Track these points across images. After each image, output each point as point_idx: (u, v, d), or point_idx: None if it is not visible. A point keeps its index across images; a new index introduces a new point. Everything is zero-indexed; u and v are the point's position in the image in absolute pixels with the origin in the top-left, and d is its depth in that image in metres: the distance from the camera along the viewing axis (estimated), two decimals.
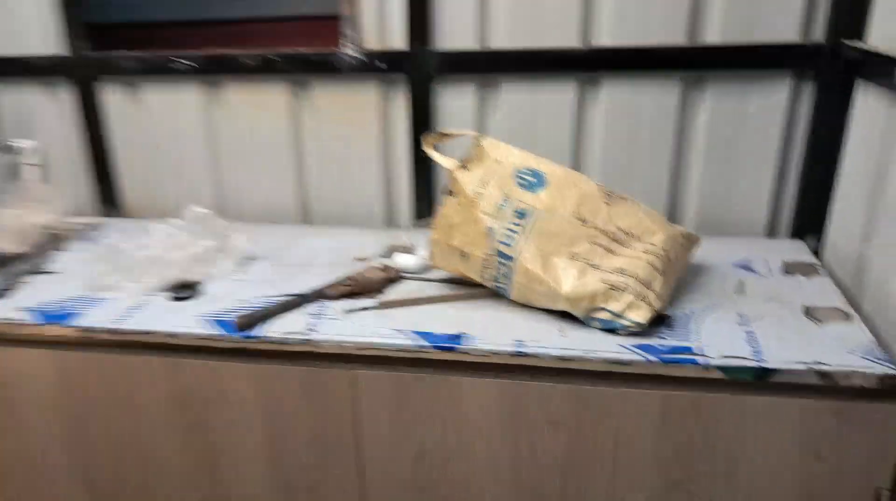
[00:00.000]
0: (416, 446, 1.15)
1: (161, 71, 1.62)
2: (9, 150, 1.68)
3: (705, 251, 1.29)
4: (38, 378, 1.27)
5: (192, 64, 1.60)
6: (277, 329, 1.15)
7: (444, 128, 1.52)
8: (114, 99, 1.68)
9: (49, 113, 1.72)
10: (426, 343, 1.08)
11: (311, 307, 1.22)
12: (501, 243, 1.13)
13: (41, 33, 1.64)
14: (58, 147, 1.74)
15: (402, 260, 1.35)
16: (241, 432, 1.22)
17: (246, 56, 1.56)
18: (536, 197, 1.14)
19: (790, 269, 1.27)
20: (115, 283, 1.34)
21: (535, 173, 1.17)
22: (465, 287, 1.23)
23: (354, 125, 1.60)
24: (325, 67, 1.54)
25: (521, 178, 1.16)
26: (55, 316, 1.23)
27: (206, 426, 1.23)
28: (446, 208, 1.18)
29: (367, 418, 1.16)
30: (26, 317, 1.23)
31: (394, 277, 1.30)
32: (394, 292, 1.26)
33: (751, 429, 1.02)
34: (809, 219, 1.41)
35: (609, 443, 1.07)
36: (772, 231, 1.50)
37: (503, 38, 1.47)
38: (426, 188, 1.59)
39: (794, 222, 1.46)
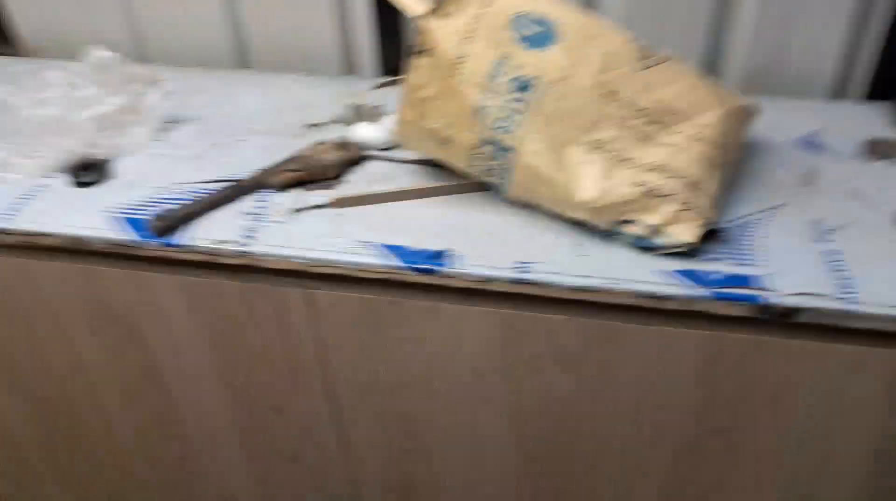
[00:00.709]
0: (395, 377, 0.94)
1: None
2: None
3: (758, 122, 0.99)
4: None
5: None
6: (205, 235, 0.88)
7: None
8: None
9: None
10: (401, 263, 0.82)
11: (249, 201, 0.94)
12: (496, 128, 0.82)
13: None
14: None
15: (364, 132, 1.04)
16: (184, 348, 1.00)
17: None
18: (544, 58, 0.82)
19: (875, 148, 0.98)
20: (3, 159, 1.04)
21: (541, 22, 0.83)
22: (447, 176, 0.94)
23: None
24: None
25: (523, 29, 0.83)
26: None
27: (141, 343, 1.01)
28: (417, 76, 0.85)
29: (331, 341, 0.93)
30: None
31: (354, 157, 1.01)
32: (354, 180, 0.98)
33: (828, 382, 0.80)
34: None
35: (633, 389, 0.86)
36: (841, 91, 1.17)
37: None
38: (393, 27, 1.22)
39: (873, 80, 1.13)
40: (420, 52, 0.83)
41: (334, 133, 1.07)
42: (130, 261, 0.93)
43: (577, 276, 0.78)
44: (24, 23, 1.38)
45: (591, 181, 0.80)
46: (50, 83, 1.16)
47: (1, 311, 1.02)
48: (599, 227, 0.82)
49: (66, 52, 1.38)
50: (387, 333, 0.89)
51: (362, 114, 1.09)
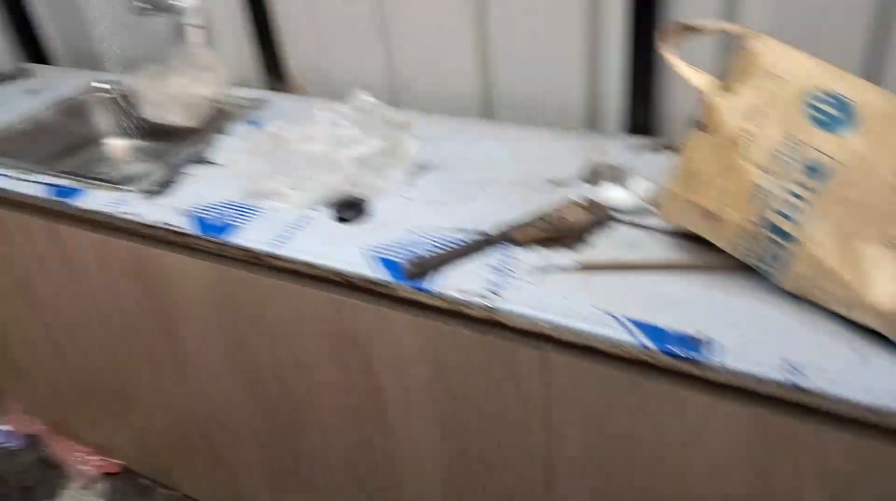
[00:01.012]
0: (622, 459, 0.91)
1: None
2: (170, 9, 1.50)
3: None
4: (197, 287, 1.17)
5: None
6: (453, 284, 0.92)
7: (688, 17, 1.10)
8: None
9: None
10: (651, 344, 0.78)
11: (494, 254, 0.96)
12: (777, 211, 0.76)
13: None
14: (220, 6, 1.53)
15: (611, 194, 1.03)
16: (409, 384, 1.05)
17: None
18: (840, 143, 0.75)
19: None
20: (276, 189, 1.16)
21: (839, 102, 0.76)
22: (705, 250, 0.89)
23: None
24: None
25: (817, 108, 0.77)
26: (214, 228, 1.08)
27: (371, 371, 1.07)
28: (693, 149, 0.82)
29: (560, 409, 0.92)
30: (185, 224, 1.10)
31: (601, 219, 0.99)
32: (600, 244, 0.96)
33: None
34: None
35: None
36: None
37: None
38: (645, 87, 1.19)
39: None
40: (701, 127, 0.80)
41: (577, 191, 1.07)
42: (378, 298, 0.98)
43: (858, 390, 0.70)
44: (295, 61, 1.54)
45: (886, 284, 0.71)
46: (317, 121, 1.28)
47: (264, 328, 1.14)
48: (890, 337, 0.73)
49: (327, 90, 1.53)
50: (621, 413, 0.86)
51: (608, 174, 1.08)
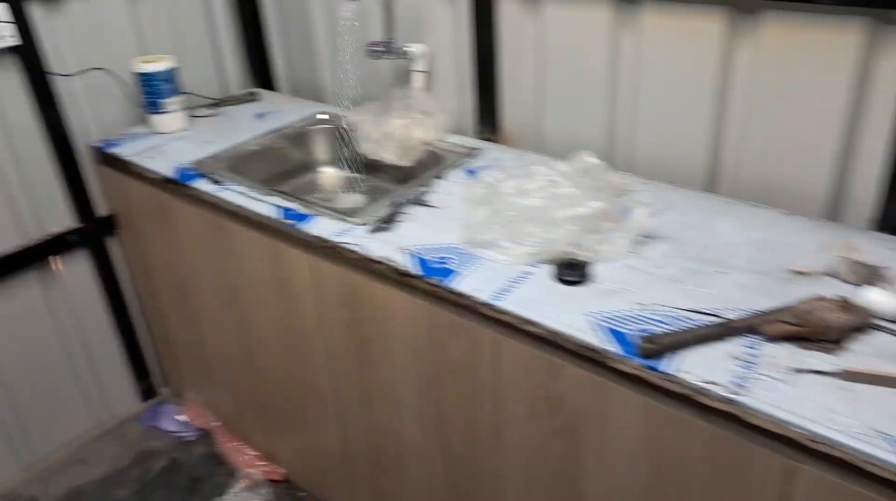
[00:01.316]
0: None
1: None
2: (401, 54, 1.58)
3: None
4: (404, 324, 1.19)
5: None
6: (689, 369, 0.87)
7: None
8: (510, 7, 1.45)
9: (443, 17, 1.56)
10: None
11: (737, 344, 0.90)
12: None
13: None
14: (445, 55, 1.60)
15: (872, 297, 0.94)
16: (616, 460, 1.00)
17: None
18: None
19: None
20: (494, 239, 1.17)
21: None
22: None
23: (811, 71, 1.15)
24: None
25: None
26: (436, 270, 1.10)
27: (573, 438, 1.04)
28: None
29: None
30: (407, 262, 1.13)
31: (861, 323, 0.91)
32: (860, 350, 0.88)
33: None
34: None
35: None
36: None
37: None
38: None
39: None
40: None
41: (825, 286, 0.99)
42: (599, 367, 0.95)
43: None
44: (511, 114, 1.57)
45: None
46: (534, 176, 1.29)
47: (466, 376, 1.14)
48: None
49: (542, 146, 1.54)
50: None
51: (863, 273, 0.99)
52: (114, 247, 1.78)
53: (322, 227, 1.25)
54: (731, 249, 1.11)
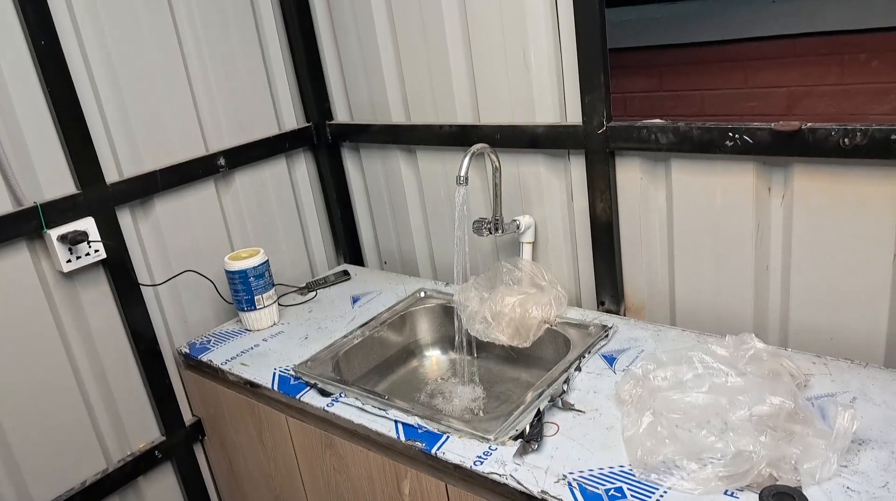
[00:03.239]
0: None
1: (707, 149, 1.22)
2: (509, 229, 1.47)
3: None
4: None
5: (749, 140, 1.17)
6: None
7: None
8: (628, 177, 1.35)
9: (551, 185, 1.46)
10: None
11: None
12: None
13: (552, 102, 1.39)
14: (555, 225, 1.48)
15: None
16: None
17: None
18: None
19: None
20: (670, 459, 0.99)
21: None
22: None
23: None
24: None
25: None
26: None
27: None
28: None
29: None
30: (569, 497, 0.95)
31: None
32: None
33: None
34: None
35: None
36: None
37: None
38: None
39: None
40: None
41: None
42: None
43: None
44: (633, 283, 1.42)
45: None
46: (693, 363, 1.13)
47: None
48: None
49: (669, 316, 1.39)
50: None
51: None
52: (199, 454, 1.63)
53: (457, 448, 1.08)
54: None
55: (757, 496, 0.90)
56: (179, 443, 1.56)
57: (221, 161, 1.57)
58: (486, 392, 1.42)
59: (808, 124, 1.11)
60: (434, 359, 1.56)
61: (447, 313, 1.53)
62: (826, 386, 1.09)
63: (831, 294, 1.18)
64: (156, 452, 1.51)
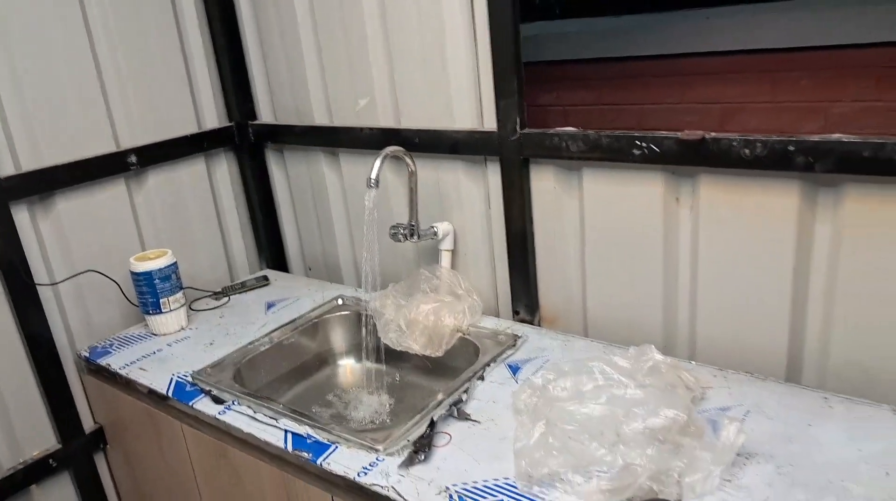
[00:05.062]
0: None
1: (616, 157, 1.20)
2: (427, 236, 1.44)
3: None
4: None
5: (656, 149, 1.15)
6: None
7: None
8: (542, 186, 1.33)
9: (470, 193, 1.43)
10: None
11: None
12: None
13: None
14: (474, 233, 1.45)
15: None
16: None
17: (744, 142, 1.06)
18: None
19: None
20: (556, 471, 0.95)
21: None
22: None
23: None
24: None
25: None
26: None
27: None
28: None
29: None
30: None
31: None
32: None
33: None
34: None
35: None
36: None
37: None
38: None
39: None
40: None
41: None
42: None
43: None
44: (548, 294, 1.40)
45: None
46: (594, 374, 1.10)
47: None
48: None
49: (582, 327, 1.36)
50: None
51: None
52: (101, 463, 1.56)
53: (344, 459, 1.04)
54: (848, 469, 0.89)
55: None
56: (78, 452, 1.49)
57: (133, 159, 1.51)
58: (394, 402, 1.38)
59: (712, 134, 1.10)
60: (348, 368, 1.52)
61: (365, 321, 1.49)
62: (723, 399, 1.07)
63: (735, 307, 1.17)
64: (50, 460, 1.44)
